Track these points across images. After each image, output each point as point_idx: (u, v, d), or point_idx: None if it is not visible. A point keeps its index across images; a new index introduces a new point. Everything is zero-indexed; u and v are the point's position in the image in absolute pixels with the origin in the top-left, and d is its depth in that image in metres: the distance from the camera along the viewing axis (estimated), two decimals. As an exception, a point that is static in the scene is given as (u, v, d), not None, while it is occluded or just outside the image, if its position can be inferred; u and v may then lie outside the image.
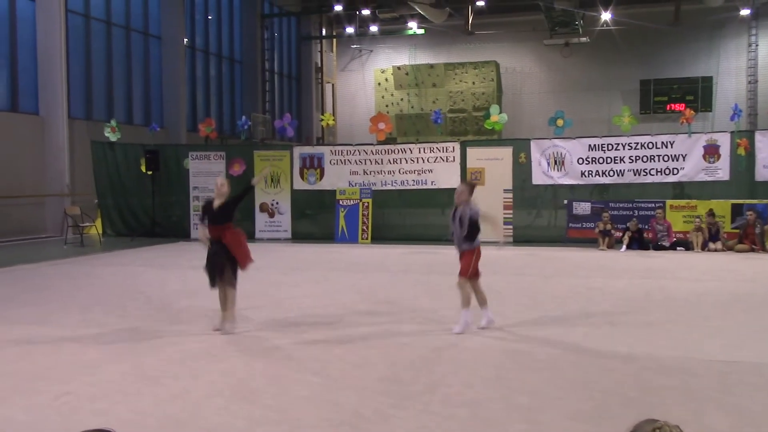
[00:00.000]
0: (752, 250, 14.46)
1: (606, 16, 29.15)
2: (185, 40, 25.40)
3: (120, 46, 22.84)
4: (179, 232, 18.23)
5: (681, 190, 16.42)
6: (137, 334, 7.55)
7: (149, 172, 18.39)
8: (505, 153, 16.92)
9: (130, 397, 5.40)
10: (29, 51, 18.96)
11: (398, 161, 17.58)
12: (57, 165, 18.99)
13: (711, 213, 14.97)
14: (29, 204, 18.45)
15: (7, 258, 14.12)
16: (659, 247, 15.04)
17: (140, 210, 19.22)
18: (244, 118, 19.72)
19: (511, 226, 16.64)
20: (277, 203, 18.04)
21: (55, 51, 18.75)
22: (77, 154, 19.58)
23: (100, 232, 18.45)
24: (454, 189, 7.78)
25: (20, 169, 18.15)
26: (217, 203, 7.63)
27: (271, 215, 18.10)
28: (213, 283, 7.54)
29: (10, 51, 18.55)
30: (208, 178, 18.05)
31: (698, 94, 31.13)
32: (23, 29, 18.81)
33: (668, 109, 31.24)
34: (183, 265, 13.17)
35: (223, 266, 7.47)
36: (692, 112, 16.72)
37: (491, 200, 16.56)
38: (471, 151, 17.07)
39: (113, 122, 19.04)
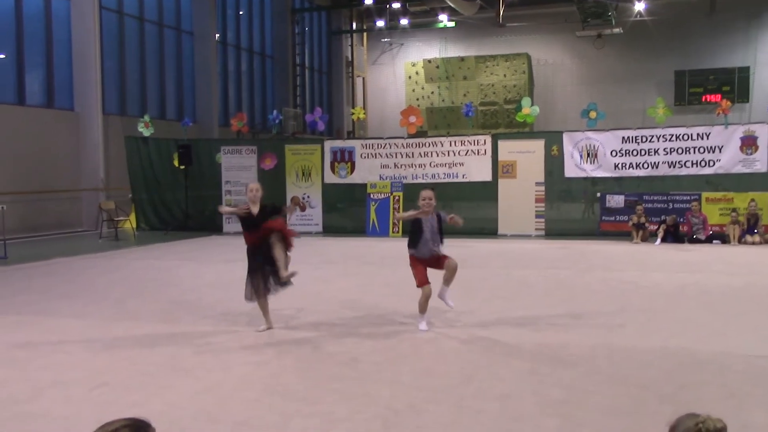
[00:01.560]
0: (791, 244, 14.19)
1: (640, 6, 28.75)
2: (217, 35, 25.57)
3: (153, 42, 23.09)
4: (212, 226, 18.36)
5: (717, 183, 16.07)
6: (171, 326, 7.62)
7: (182, 167, 18.55)
8: (537, 146, 16.77)
9: (164, 389, 5.44)
10: (64, 48, 19.24)
11: (429, 154, 17.51)
12: (92, 160, 19.27)
13: (753, 203, 14.71)
14: (65, 198, 18.76)
15: (44, 251, 14.36)
16: (694, 241, 14.80)
17: (173, 204, 19.41)
18: (275, 112, 19.80)
19: (543, 219, 16.53)
20: (308, 197, 18.10)
21: (90, 48, 19.03)
22: (111, 150, 19.83)
23: (134, 226, 18.69)
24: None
25: (56, 164, 18.45)
26: (255, 209, 7.29)
27: (303, 209, 18.12)
28: (252, 297, 7.32)
29: (45, 48, 18.84)
30: (240, 172, 18.22)
31: (735, 85, 30.56)
32: (58, 27, 19.09)
33: (704, 100, 30.68)
34: (216, 258, 13.29)
35: (267, 280, 7.25)
36: (729, 102, 16.40)
37: (523, 193, 16.49)
38: (502, 144, 16.94)
39: (146, 117, 19.24)
